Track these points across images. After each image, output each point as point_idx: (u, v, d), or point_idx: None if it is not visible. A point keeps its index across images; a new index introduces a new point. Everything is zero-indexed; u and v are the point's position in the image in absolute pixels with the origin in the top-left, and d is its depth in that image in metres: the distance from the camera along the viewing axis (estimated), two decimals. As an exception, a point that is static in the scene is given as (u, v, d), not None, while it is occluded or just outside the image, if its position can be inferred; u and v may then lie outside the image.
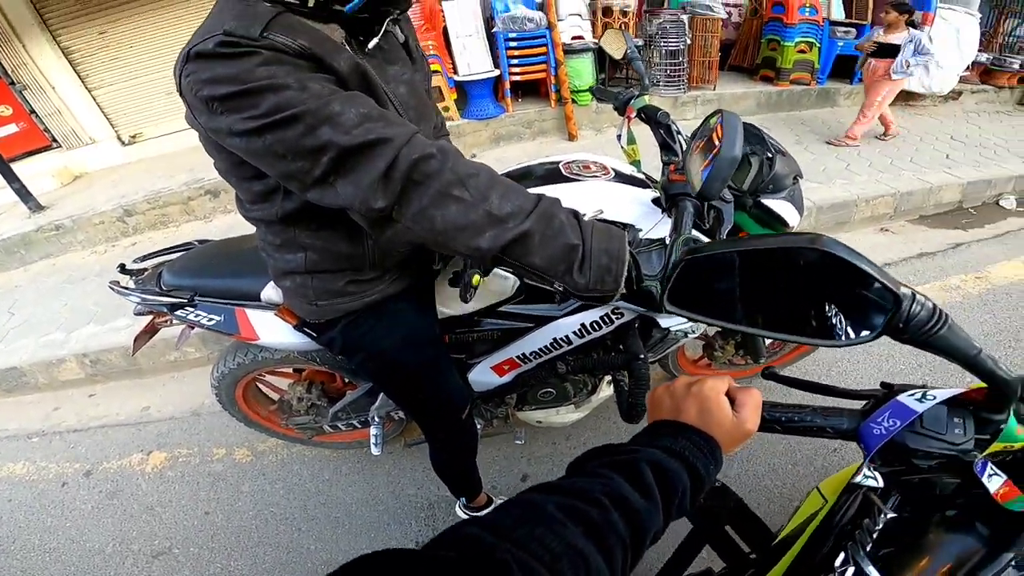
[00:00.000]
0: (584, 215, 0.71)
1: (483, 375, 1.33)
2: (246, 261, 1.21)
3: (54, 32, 4.78)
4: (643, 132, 1.33)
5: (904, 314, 0.45)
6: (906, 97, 5.01)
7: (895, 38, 4.07)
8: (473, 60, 4.10)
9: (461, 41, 4.15)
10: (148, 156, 5.05)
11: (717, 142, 0.77)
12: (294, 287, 0.99)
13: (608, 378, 1.48)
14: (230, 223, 3.65)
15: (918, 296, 0.45)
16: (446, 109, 3.73)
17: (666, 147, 1.21)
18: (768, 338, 0.52)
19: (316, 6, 0.72)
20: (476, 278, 0.89)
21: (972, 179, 3.30)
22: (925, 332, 0.45)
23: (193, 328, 1.33)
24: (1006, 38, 7.90)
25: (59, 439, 2.37)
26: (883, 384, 0.62)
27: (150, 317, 1.35)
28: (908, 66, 4.04)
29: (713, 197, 0.77)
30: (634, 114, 1.30)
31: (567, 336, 1.19)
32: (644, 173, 1.29)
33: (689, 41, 4.19)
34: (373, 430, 1.53)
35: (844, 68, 4.83)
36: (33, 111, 5.02)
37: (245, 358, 1.42)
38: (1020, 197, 3.50)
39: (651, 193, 1.15)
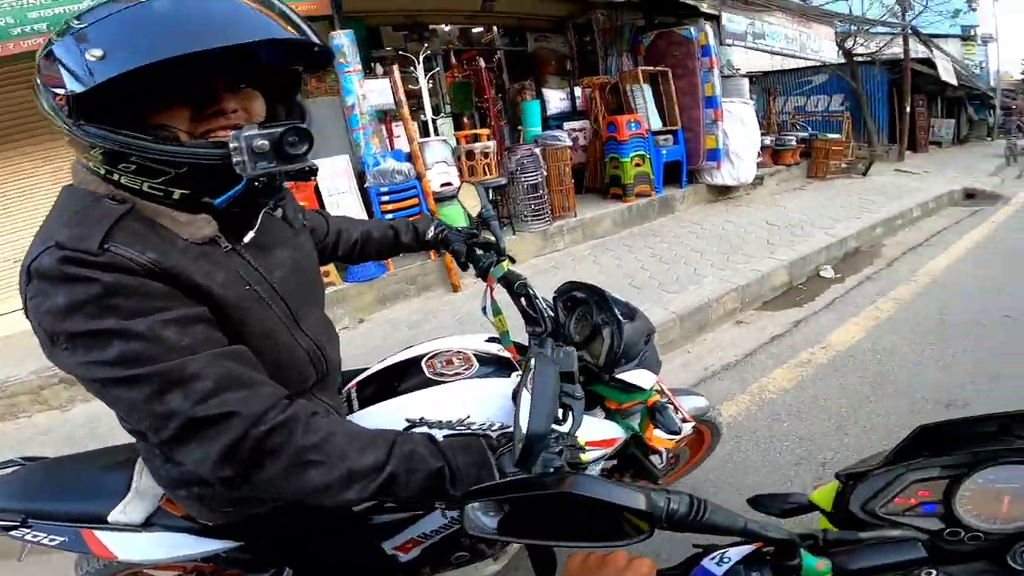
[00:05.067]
0: (446, 425, 0.82)
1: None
2: (87, 483, 1.18)
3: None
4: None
5: (663, 517, 0.53)
6: (725, 192, 6.03)
7: None
8: (349, 218, 4.22)
9: (334, 199, 4.27)
10: (-7, 336, 4.34)
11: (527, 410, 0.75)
12: (192, 496, 0.91)
13: None
14: (91, 413, 3.20)
15: (672, 498, 0.54)
16: (327, 274, 3.72)
17: (529, 318, 1.24)
18: (565, 546, 0.60)
19: (182, 199, 0.70)
20: None
21: (792, 259, 3.95)
22: (691, 522, 0.54)
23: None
24: (780, 116, 10.06)
25: None
26: (695, 545, 0.68)
27: None
28: None
29: (530, 464, 0.71)
30: (495, 283, 1.28)
31: None
32: (515, 343, 1.30)
33: (546, 172, 4.73)
34: None
35: (672, 174, 5.72)
36: None
37: (111, 562, 1.29)
38: (833, 264, 4.28)
39: (515, 382, 1.16)
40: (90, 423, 3.11)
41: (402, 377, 1.20)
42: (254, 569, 1.29)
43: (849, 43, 10.02)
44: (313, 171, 0.77)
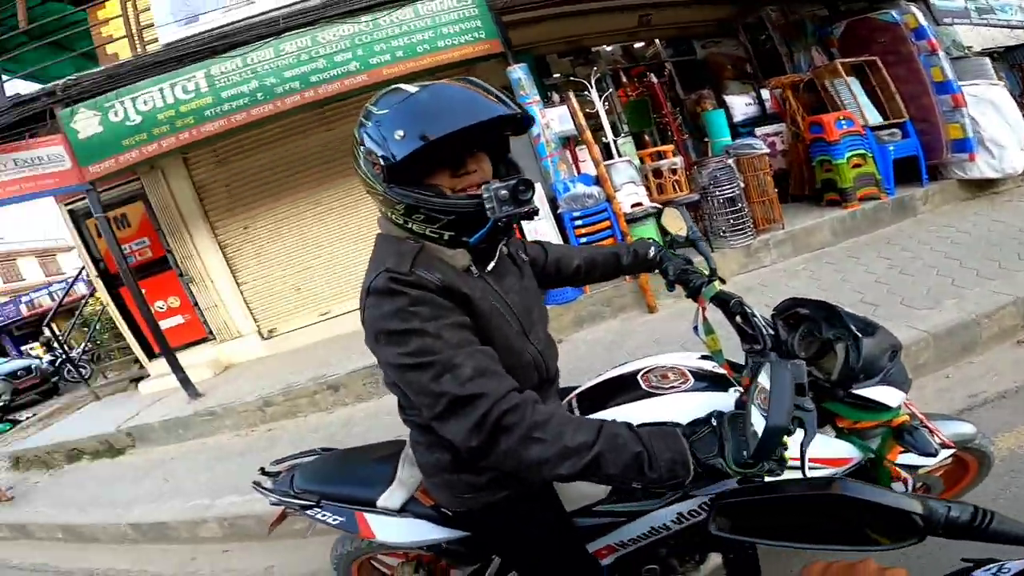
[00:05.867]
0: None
1: None
2: (364, 472, 1.45)
3: (213, 224, 5.76)
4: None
5: (941, 524, 0.52)
6: (984, 187, 4.87)
7: None
8: (546, 243, 4.44)
9: (532, 226, 4.54)
10: (281, 350, 5.80)
11: (764, 405, 0.77)
12: (442, 483, 1.15)
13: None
14: (347, 415, 3.96)
15: (953, 506, 0.53)
16: (525, 299, 3.96)
17: (745, 335, 1.24)
18: (816, 550, 0.61)
19: (449, 239, 0.96)
20: None
21: (1107, 266, 3.01)
22: (974, 530, 0.52)
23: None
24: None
25: (191, 584, 2.67)
26: (963, 559, 0.63)
27: (283, 507, 1.55)
28: None
29: (767, 458, 0.75)
30: (707, 303, 1.32)
31: (665, 524, 1.21)
32: (728, 361, 1.30)
33: (743, 184, 4.39)
34: None
35: (908, 171, 4.82)
36: (196, 304, 5.96)
37: (362, 543, 1.59)
38: None
39: (732, 397, 1.16)
40: (345, 425, 3.81)
41: (618, 390, 1.28)
42: (465, 560, 1.47)
43: None
44: (536, 211, 0.96)
